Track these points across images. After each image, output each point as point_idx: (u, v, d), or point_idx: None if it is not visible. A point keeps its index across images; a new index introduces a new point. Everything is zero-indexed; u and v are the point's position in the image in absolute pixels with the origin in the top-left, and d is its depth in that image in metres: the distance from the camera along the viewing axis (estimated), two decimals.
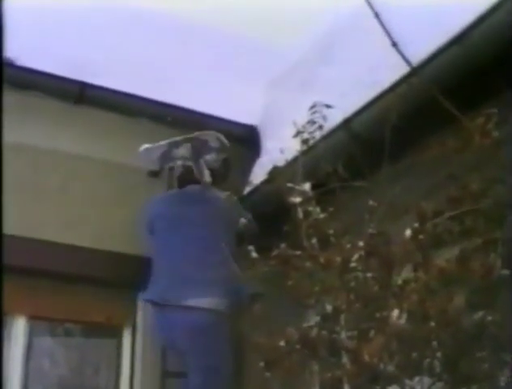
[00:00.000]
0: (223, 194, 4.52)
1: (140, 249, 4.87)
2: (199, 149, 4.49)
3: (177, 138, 4.44)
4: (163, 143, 4.46)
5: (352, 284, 3.33)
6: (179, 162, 4.55)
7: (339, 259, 3.32)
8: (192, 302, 4.13)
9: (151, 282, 4.34)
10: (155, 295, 4.27)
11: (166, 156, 4.52)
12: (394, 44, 3.32)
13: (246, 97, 5.10)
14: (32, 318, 5.12)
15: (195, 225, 4.38)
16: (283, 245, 3.59)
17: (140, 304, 5.30)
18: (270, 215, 4.66)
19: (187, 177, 4.54)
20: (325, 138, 4.26)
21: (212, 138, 4.44)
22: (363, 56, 4.61)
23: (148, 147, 4.50)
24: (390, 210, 3.40)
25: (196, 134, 4.41)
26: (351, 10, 4.77)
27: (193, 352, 4.15)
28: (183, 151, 4.51)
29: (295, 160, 4.15)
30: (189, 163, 4.50)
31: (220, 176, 4.60)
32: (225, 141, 4.48)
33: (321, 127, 4.12)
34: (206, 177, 4.50)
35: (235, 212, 4.52)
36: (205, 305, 4.10)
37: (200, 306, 4.10)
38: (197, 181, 4.51)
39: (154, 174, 5.19)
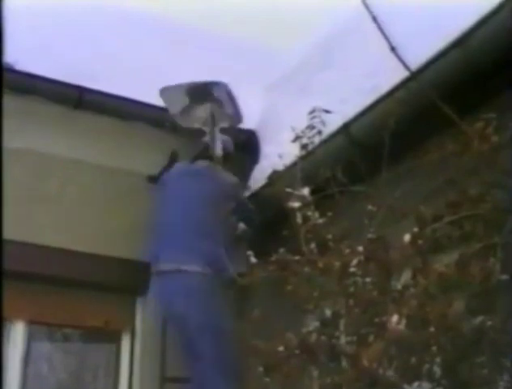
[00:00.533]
0: (225, 174, 4.67)
1: (139, 253, 4.87)
2: (216, 113, 4.68)
3: (198, 83, 4.61)
4: (182, 84, 4.63)
5: (351, 289, 3.33)
6: (196, 125, 4.73)
7: (338, 264, 3.31)
8: (182, 267, 4.38)
9: (151, 245, 4.59)
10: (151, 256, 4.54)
11: (186, 114, 4.75)
12: (393, 49, 3.32)
13: (245, 102, 5.09)
14: (31, 323, 5.10)
15: (192, 199, 4.54)
16: (282, 250, 3.60)
17: (139, 309, 5.32)
18: (269, 220, 4.66)
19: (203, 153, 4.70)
20: (324, 142, 4.27)
21: (223, 93, 4.60)
22: (362, 60, 4.61)
23: (167, 87, 4.70)
24: (390, 214, 3.40)
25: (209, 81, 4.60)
26: (350, 15, 4.77)
27: (190, 312, 4.24)
28: (202, 112, 4.70)
29: (294, 164, 4.16)
30: (206, 129, 4.68)
31: (228, 155, 4.80)
32: (235, 98, 4.64)
33: (320, 132, 4.12)
34: (218, 149, 4.67)
35: (233, 192, 4.65)
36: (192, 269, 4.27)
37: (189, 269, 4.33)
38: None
39: (152, 179, 5.21)
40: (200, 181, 4.69)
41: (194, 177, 4.75)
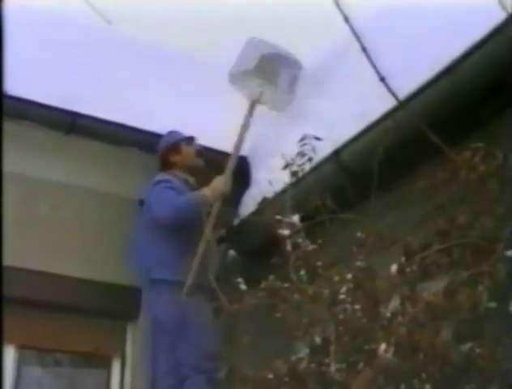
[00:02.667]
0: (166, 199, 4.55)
1: (130, 279, 4.87)
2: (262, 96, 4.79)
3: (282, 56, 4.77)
4: (273, 47, 4.77)
5: (341, 316, 3.34)
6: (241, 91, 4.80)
7: (327, 292, 3.32)
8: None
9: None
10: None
11: (242, 76, 4.77)
12: (382, 79, 3.35)
13: (236, 128, 5.11)
14: (21, 348, 5.09)
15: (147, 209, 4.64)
16: (271, 278, 3.61)
17: (129, 335, 5.32)
18: (259, 247, 4.67)
19: None
20: (314, 169, 4.28)
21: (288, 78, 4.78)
22: (353, 88, 4.64)
23: (256, 40, 4.76)
24: (379, 242, 3.42)
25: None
26: (340, 43, 4.80)
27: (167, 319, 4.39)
28: (253, 87, 4.77)
29: (284, 191, 4.17)
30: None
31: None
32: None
33: (310, 159, 4.14)
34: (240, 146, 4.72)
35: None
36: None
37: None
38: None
39: (144, 204, 5.21)
40: (147, 205, 4.68)
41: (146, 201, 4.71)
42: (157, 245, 4.50)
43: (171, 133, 4.89)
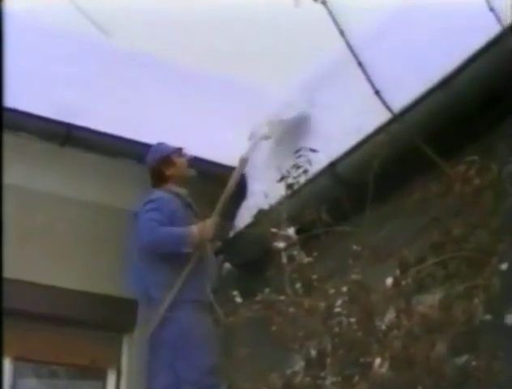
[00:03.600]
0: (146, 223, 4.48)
1: (126, 291, 4.86)
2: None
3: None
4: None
5: (336, 328, 3.34)
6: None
7: (322, 305, 3.33)
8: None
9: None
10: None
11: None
12: (377, 92, 3.37)
13: (232, 139, 5.12)
14: (17, 360, 5.08)
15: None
16: (267, 290, 3.61)
17: (125, 347, 5.31)
18: (254, 259, 4.67)
19: None
20: (310, 182, 4.28)
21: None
22: (348, 101, 4.64)
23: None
24: (374, 254, 3.42)
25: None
26: (336, 56, 4.81)
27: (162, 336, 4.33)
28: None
29: (280, 204, 4.17)
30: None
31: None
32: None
33: (306, 171, 4.14)
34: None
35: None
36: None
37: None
38: None
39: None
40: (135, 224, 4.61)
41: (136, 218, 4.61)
42: (154, 263, 4.48)
43: (159, 145, 4.82)
